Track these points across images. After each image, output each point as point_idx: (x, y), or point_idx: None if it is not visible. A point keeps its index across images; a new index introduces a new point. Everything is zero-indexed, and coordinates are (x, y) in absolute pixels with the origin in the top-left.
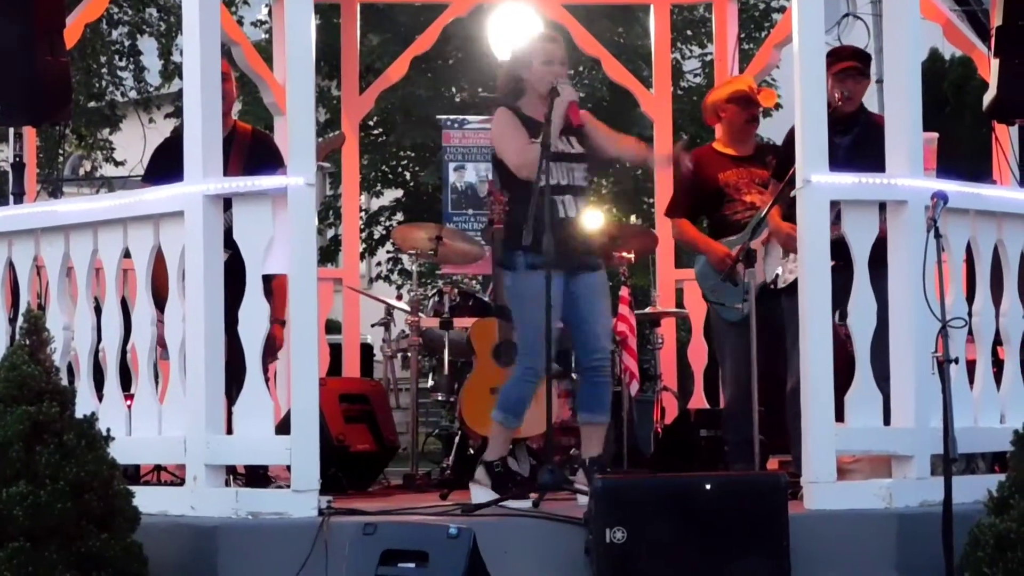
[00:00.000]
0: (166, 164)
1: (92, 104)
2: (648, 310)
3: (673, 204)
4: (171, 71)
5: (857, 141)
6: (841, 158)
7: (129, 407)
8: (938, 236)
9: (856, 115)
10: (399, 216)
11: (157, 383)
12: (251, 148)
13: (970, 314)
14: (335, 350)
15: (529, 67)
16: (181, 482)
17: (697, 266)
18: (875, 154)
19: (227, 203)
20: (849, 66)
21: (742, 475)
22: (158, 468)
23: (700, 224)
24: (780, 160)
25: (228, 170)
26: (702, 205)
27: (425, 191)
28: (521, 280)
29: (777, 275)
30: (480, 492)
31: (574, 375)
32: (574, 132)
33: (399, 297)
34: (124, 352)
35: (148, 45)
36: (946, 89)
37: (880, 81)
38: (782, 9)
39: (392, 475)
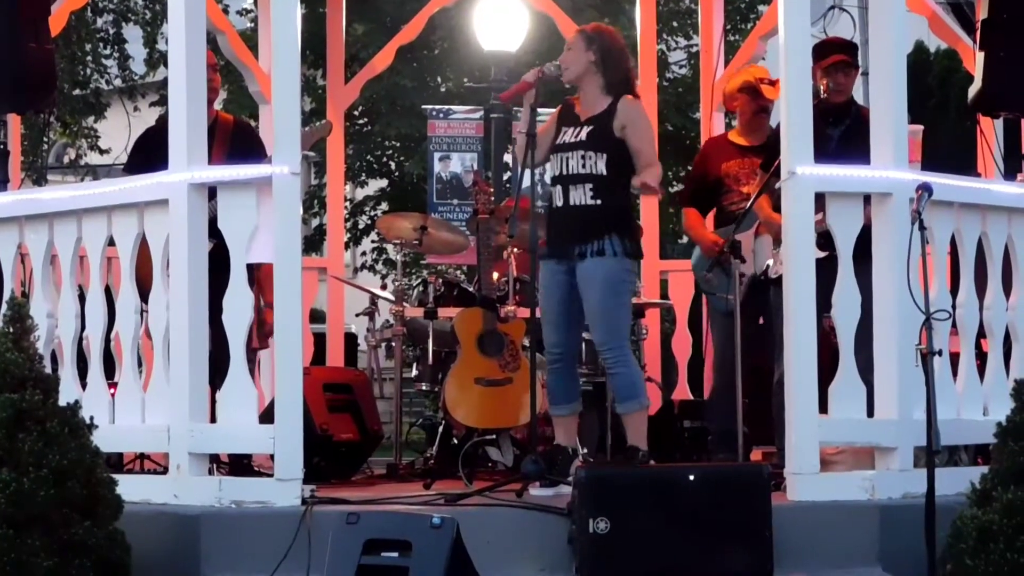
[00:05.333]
0: (147, 154)
1: (77, 92)
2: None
3: (683, 192)
4: (156, 59)
5: (848, 132)
6: (832, 149)
7: (113, 395)
8: (922, 228)
9: (847, 106)
10: (384, 206)
11: (141, 371)
12: (233, 137)
13: (954, 307)
14: (319, 339)
15: None
16: (164, 470)
17: (695, 255)
18: (866, 145)
19: (211, 193)
20: (839, 60)
21: (725, 466)
22: (141, 456)
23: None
24: (768, 151)
25: (211, 159)
26: (707, 194)
27: (410, 181)
28: (539, 269)
29: (768, 266)
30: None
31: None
32: (589, 123)
33: (383, 287)
34: (108, 340)
35: (133, 33)
36: (931, 82)
37: (866, 73)
38: (768, 1)
39: (376, 465)
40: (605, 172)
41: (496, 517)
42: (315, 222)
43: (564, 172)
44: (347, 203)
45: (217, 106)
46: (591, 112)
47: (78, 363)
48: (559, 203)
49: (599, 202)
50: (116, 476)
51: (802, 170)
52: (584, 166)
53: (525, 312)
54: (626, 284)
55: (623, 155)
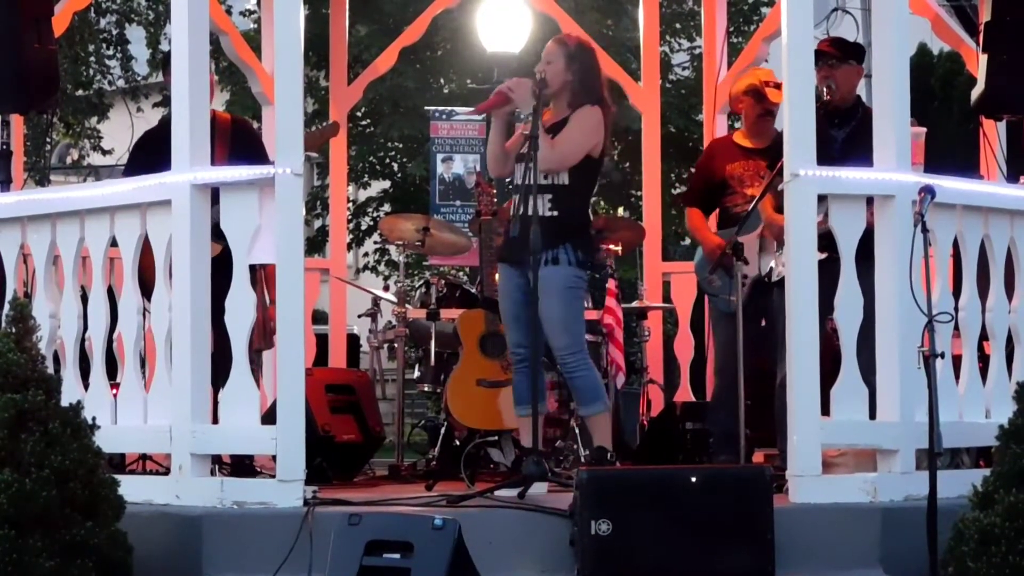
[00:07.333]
0: (148, 155)
1: (80, 92)
2: (635, 303)
3: (686, 192)
4: (159, 60)
5: (854, 134)
6: (838, 151)
7: (115, 396)
8: (925, 231)
9: (854, 108)
10: (386, 207)
11: (143, 372)
12: (233, 136)
13: (956, 309)
14: (322, 340)
15: None
16: (166, 471)
17: (697, 256)
18: (871, 147)
19: (214, 198)
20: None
21: (727, 468)
22: (143, 457)
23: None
24: (774, 154)
25: (213, 159)
26: (711, 195)
27: (412, 182)
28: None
29: (771, 268)
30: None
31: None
32: (551, 131)
33: (386, 288)
34: (110, 341)
35: (136, 34)
36: (934, 84)
37: (868, 75)
38: (771, 3)
39: (377, 466)
40: (567, 181)
41: (498, 518)
42: (318, 223)
43: (527, 182)
44: (349, 204)
45: (218, 107)
46: (554, 120)
47: (80, 364)
48: (519, 211)
49: (556, 213)
50: (118, 477)
51: (804, 172)
52: (546, 177)
53: None
54: (579, 291)
55: (584, 163)
